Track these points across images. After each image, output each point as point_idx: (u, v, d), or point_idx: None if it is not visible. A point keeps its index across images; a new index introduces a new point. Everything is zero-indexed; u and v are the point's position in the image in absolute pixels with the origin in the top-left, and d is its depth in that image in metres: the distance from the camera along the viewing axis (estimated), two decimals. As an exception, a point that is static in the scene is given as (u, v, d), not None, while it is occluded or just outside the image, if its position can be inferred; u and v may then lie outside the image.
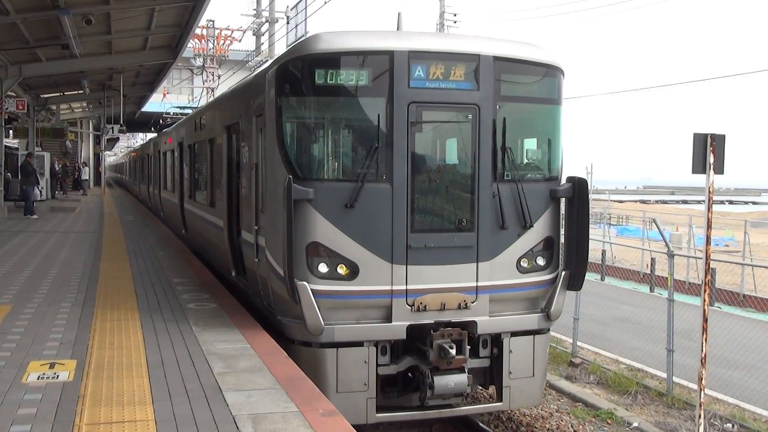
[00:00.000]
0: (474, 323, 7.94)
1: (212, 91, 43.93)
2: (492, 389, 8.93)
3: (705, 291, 8.71)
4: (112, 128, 39.83)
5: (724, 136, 8.49)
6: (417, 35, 8.25)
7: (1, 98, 23.62)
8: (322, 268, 7.58)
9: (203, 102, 38.75)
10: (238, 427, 5.06)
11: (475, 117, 7.89)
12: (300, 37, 22.09)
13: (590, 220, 8.90)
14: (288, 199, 7.27)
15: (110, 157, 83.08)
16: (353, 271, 7.60)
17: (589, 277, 13.57)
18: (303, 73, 7.70)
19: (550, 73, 8.39)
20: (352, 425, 5.32)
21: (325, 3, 21.90)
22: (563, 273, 8.41)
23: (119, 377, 6.15)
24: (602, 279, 22.39)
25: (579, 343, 12.81)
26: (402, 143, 7.63)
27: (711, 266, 9.29)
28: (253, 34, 40.23)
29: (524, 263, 8.19)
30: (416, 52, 7.67)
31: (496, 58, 7.94)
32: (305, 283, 7.45)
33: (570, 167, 9.09)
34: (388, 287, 7.66)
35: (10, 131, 34.86)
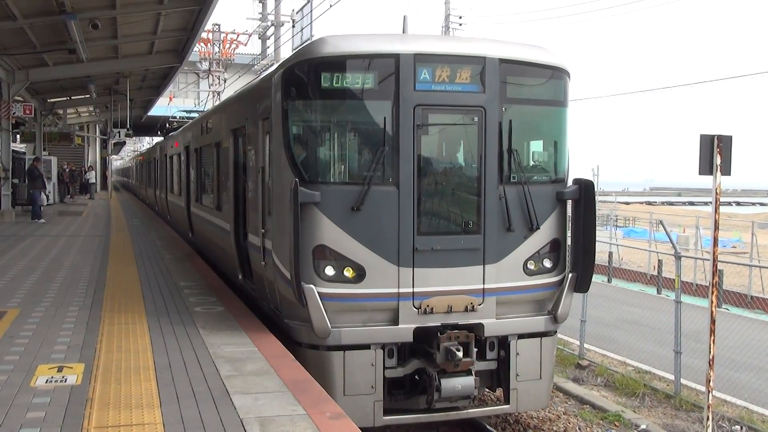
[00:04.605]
0: (481, 326, 7.94)
1: (218, 94, 44.04)
2: (499, 392, 8.93)
3: (712, 293, 8.69)
4: (119, 132, 40.00)
5: (731, 137, 8.47)
6: (422, 38, 8.26)
7: (8, 103, 23.72)
8: (329, 270, 7.59)
9: (209, 106, 38.84)
10: (246, 430, 5.07)
11: (480, 119, 7.89)
12: (305, 41, 22.13)
13: (597, 222, 8.88)
14: (294, 203, 7.28)
15: (117, 161, 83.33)
16: (360, 274, 7.61)
17: (596, 279, 13.54)
18: (309, 76, 7.72)
19: (556, 75, 8.38)
20: (360, 428, 5.33)
21: (331, 6, 21.94)
22: (570, 275, 8.39)
23: (127, 380, 6.17)
24: (609, 281, 22.33)
25: (586, 346, 12.78)
26: (408, 146, 7.64)
27: (718, 268, 9.26)
28: (259, 38, 40.31)
29: (531, 265, 8.18)
30: (422, 55, 7.68)
31: (502, 61, 7.94)
32: (312, 286, 7.46)
33: (576, 169, 9.08)
34: (395, 290, 7.66)
35: (18, 136, 34.99)
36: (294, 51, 9.93)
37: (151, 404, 5.57)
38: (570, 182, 8.54)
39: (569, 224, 8.57)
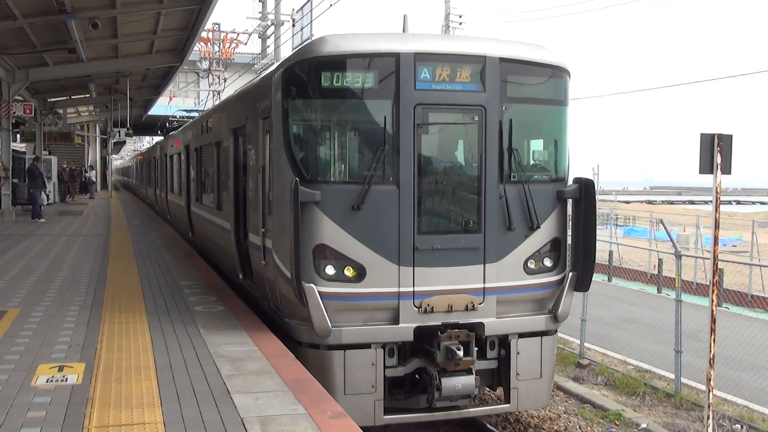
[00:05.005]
0: (481, 325, 7.94)
1: (218, 94, 44.03)
2: (500, 391, 8.92)
3: (713, 291, 8.69)
4: (119, 131, 39.99)
5: (731, 136, 8.47)
6: (423, 37, 8.26)
7: (8, 102, 23.72)
8: (329, 270, 7.59)
9: (209, 105, 38.83)
10: (246, 430, 5.07)
11: (481, 118, 7.89)
12: (305, 40, 22.13)
13: (597, 221, 8.88)
14: (295, 202, 7.28)
15: (117, 161, 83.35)
16: (360, 273, 7.61)
17: (596, 278, 13.53)
18: (309, 75, 7.72)
19: (556, 74, 8.38)
20: (360, 427, 5.33)
21: (331, 6, 21.95)
22: (570, 274, 8.40)
23: (128, 380, 6.17)
24: (609, 280, 22.33)
25: (586, 345, 12.79)
26: (408, 145, 7.63)
27: (719, 267, 9.26)
28: (259, 37, 40.25)
29: (531, 264, 8.18)
30: (422, 54, 7.68)
31: (502, 60, 7.94)
32: (312, 285, 7.46)
33: (576, 168, 9.09)
34: (395, 289, 7.66)
35: (18, 135, 34.98)
36: (294, 50, 9.92)
37: (151, 403, 5.58)
38: (570, 181, 8.54)
39: (569, 223, 8.58)
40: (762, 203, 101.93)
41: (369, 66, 7.63)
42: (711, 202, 8.74)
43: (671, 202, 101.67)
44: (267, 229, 8.66)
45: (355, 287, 7.61)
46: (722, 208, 8.95)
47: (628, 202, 69.88)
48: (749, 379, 10.77)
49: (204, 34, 41.78)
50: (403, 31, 8.75)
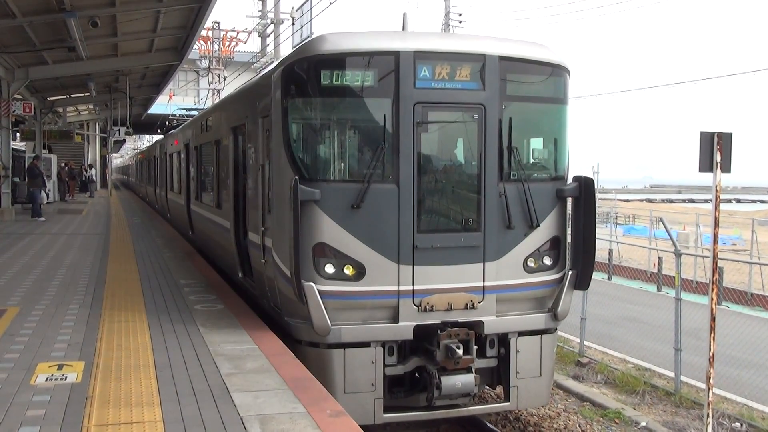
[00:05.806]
0: (481, 323, 7.94)
1: (218, 92, 44.03)
2: (499, 389, 8.93)
3: (713, 290, 8.68)
4: (119, 130, 39.98)
5: (731, 134, 8.47)
6: (422, 35, 8.26)
7: (8, 101, 23.71)
8: (329, 268, 7.59)
9: (209, 104, 38.82)
10: (246, 428, 5.07)
11: (480, 117, 7.88)
12: (305, 39, 22.12)
13: (597, 220, 8.88)
14: (294, 200, 7.28)
15: (116, 159, 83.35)
16: (360, 272, 7.61)
17: (596, 276, 13.54)
18: (309, 74, 7.71)
19: (556, 72, 8.37)
20: (360, 426, 5.32)
21: (330, 4, 21.94)
22: (570, 272, 8.40)
23: (127, 378, 6.17)
24: (609, 278, 22.33)
25: (586, 343, 12.79)
26: (408, 144, 7.63)
27: (718, 265, 9.26)
28: (259, 36, 40.25)
29: (531, 263, 8.18)
30: (422, 53, 7.67)
31: (502, 58, 7.93)
32: (312, 283, 7.46)
33: (576, 166, 9.08)
34: (395, 287, 7.66)
35: (17, 134, 34.98)
36: (294, 49, 9.92)
37: (151, 402, 5.57)
38: (570, 180, 8.54)
39: (569, 222, 8.57)
40: (762, 202, 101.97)
41: (368, 64, 7.62)
42: (711, 200, 8.74)
43: (671, 201, 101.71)
44: (267, 228, 8.66)
45: (354, 286, 7.61)
46: (722, 206, 8.95)
47: (627, 201, 69.90)
48: (749, 378, 10.78)
49: (204, 33, 41.76)
50: (403, 30, 8.75)
